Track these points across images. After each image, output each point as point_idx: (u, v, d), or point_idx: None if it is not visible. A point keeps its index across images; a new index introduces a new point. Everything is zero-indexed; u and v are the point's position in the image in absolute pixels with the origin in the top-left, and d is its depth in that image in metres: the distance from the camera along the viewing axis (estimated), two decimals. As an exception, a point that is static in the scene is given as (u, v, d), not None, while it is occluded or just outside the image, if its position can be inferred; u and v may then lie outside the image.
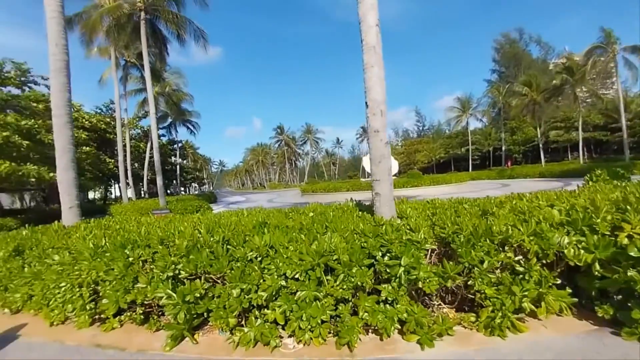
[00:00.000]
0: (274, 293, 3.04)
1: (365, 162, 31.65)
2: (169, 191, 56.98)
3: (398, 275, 2.96)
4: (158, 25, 18.64)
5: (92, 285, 3.82)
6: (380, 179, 3.92)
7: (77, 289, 3.80)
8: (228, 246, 3.50)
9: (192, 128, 43.55)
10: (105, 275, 3.64)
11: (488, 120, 59.74)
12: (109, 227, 5.00)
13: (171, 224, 4.61)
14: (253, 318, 3.15)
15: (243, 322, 3.34)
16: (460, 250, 3.06)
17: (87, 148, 21.87)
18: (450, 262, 3.06)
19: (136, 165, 38.47)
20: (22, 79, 18.61)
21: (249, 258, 3.27)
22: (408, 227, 3.49)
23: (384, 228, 3.36)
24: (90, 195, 44.82)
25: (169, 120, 42.19)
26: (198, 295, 3.24)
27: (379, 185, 3.93)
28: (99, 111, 34.75)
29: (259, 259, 3.29)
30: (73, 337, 3.71)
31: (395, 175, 31.10)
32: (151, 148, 36.35)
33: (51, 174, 15.18)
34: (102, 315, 3.86)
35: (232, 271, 3.24)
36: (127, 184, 25.76)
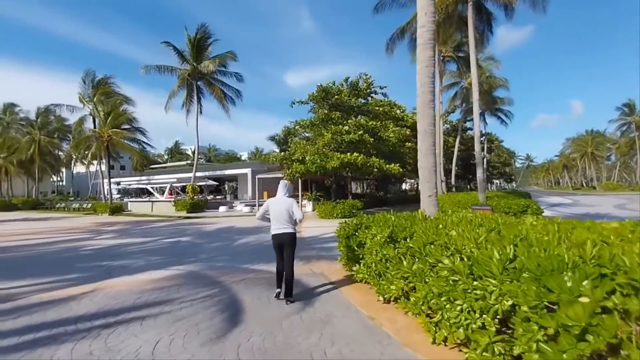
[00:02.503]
0: None
1: None
2: (469, 186, 55.48)
3: None
4: (484, 4, 17.04)
5: (501, 316, 2.53)
6: None
7: (478, 316, 2.64)
8: None
9: (503, 118, 39.18)
10: (534, 314, 2.18)
11: None
12: (496, 228, 3.69)
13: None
14: None
15: None
16: None
17: (409, 144, 24.27)
18: None
19: (443, 159, 39.76)
20: (367, 90, 23.23)
21: None
22: None
23: None
24: (402, 186, 51.89)
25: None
26: None
27: None
28: (414, 111, 38.74)
29: None
30: (470, 381, 2.58)
31: None
32: (460, 142, 36.02)
33: (387, 166, 17.64)
34: (511, 367, 2.50)
35: None
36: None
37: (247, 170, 32.46)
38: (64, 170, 54.26)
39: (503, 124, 39.78)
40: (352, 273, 5.30)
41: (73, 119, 38.06)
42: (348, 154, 16.86)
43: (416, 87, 5.30)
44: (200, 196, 26.76)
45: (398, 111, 26.36)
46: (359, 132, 17.32)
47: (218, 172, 36.67)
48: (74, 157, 43.21)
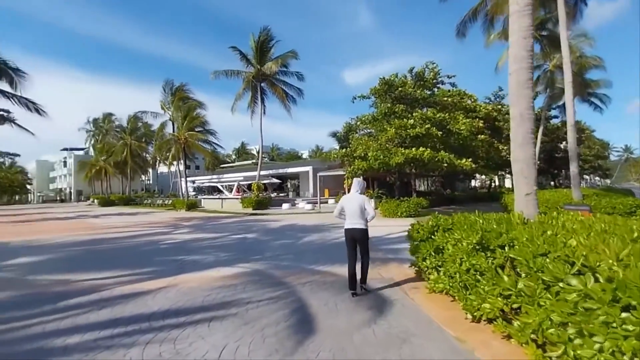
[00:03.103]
0: None
1: None
2: (553, 183, 49.08)
3: None
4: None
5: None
6: None
7: (628, 359, 1.91)
8: None
9: (597, 103, 33.61)
10: None
11: None
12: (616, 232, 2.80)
13: None
14: None
15: None
16: None
17: (482, 136, 22.09)
18: None
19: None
20: (434, 80, 21.63)
21: None
22: None
23: None
24: (470, 183, 47.92)
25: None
26: None
27: None
28: (487, 101, 35.31)
29: None
30: None
31: None
32: (543, 133, 31.84)
33: (457, 161, 16.15)
34: None
35: None
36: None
37: (309, 168, 32.86)
38: (150, 170, 61.21)
39: (597, 110, 34.03)
40: (429, 282, 4.66)
41: (156, 124, 42.67)
42: (413, 149, 15.81)
43: (508, 64, 4.43)
44: (264, 194, 27.79)
45: (469, 101, 24.17)
46: (426, 126, 16.11)
47: (281, 171, 37.82)
48: (158, 158, 48.44)
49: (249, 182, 30.26)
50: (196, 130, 31.73)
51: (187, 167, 35.08)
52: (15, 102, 12.81)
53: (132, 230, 14.09)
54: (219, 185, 37.33)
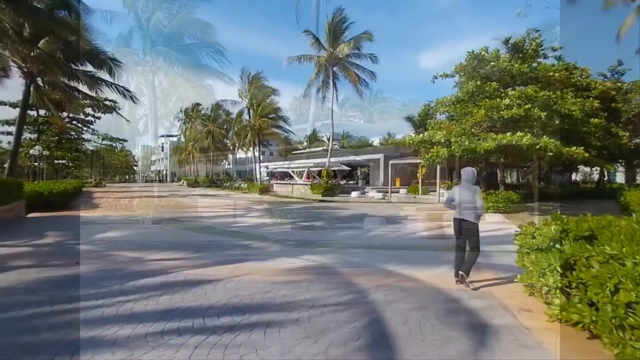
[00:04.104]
0: None
1: None
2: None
3: None
4: None
5: None
6: None
7: None
8: None
9: None
10: None
11: None
12: None
13: None
14: None
15: None
16: None
17: (596, 120, 18.03)
18: None
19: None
20: (534, 53, 18.21)
21: None
22: None
23: None
24: (571, 177, 40.66)
25: None
26: None
27: None
28: (602, 78, 29.13)
29: None
30: None
31: None
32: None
33: (566, 148, 13.33)
34: None
35: None
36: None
37: (380, 156, 31.40)
38: (230, 155, 66.00)
39: None
40: (552, 307, 3.43)
41: (235, 112, 45.35)
42: (508, 134, 13.44)
43: None
44: (334, 181, 27.38)
45: (579, 77, 19.95)
46: (525, 106, 13.51)
47: (351, 158, 36.99)
48: (237, 144, 51.81)
49: (319, 169, 30.15)
50: (269, 117, 32.66)
51: (261, 152, 36.58)
52: (114, 90, 14.43)
53: (210, 211, 14.87)
54: (289, 170, 38.21)
